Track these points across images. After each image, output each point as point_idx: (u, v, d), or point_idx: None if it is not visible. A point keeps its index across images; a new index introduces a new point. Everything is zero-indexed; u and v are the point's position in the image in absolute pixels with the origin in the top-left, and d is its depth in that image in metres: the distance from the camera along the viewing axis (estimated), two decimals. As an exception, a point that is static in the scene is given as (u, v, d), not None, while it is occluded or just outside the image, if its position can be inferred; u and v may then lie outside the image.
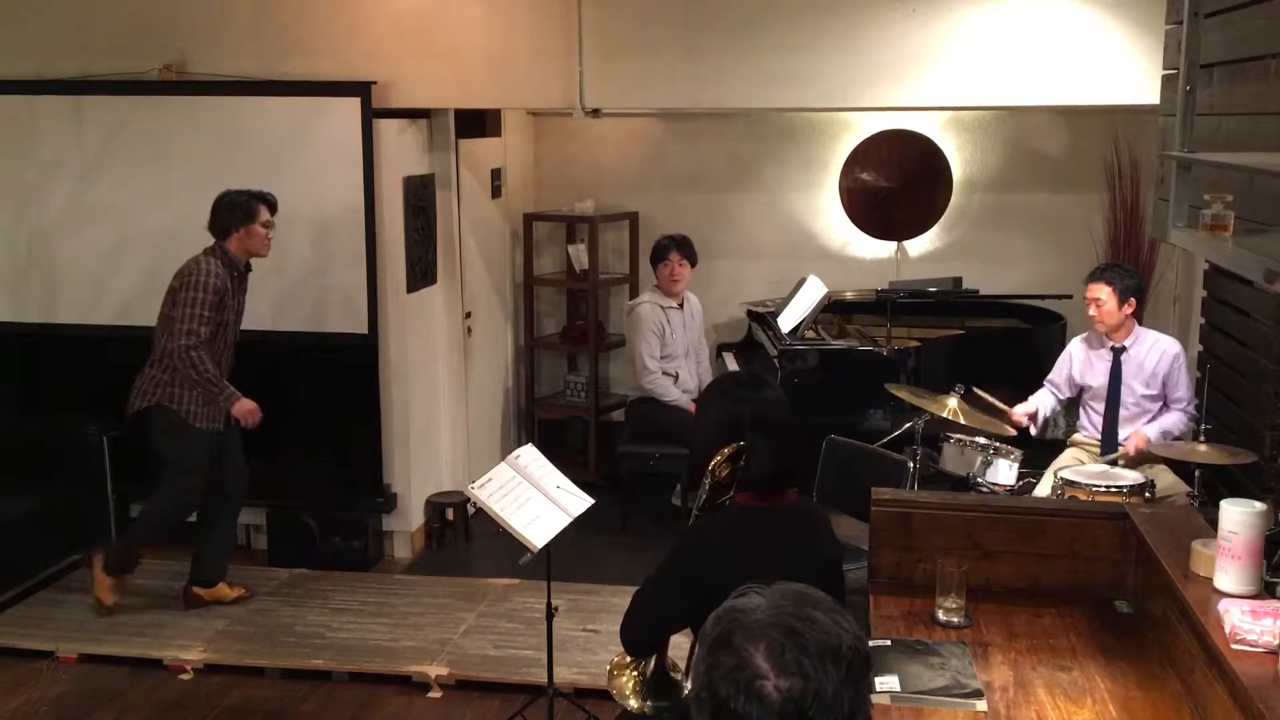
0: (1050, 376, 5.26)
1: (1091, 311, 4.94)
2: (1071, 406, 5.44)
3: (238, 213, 4.88)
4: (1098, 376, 5.03)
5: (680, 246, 6.18)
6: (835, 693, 1.37)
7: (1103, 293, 4.88)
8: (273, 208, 4.96)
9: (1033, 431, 5.21)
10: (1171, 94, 3.05)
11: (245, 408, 4.90)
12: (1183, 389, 4.92)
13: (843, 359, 5.97)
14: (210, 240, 4.93)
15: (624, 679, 2.94)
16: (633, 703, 2.90)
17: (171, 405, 4.88)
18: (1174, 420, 4.90)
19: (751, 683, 1.37)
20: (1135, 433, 4.88)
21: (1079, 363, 5.13)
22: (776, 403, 2.83)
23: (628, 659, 2.94)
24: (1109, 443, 4.96)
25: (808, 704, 1.36)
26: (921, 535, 3.35)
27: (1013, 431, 5.08)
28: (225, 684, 4.67)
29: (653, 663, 2.93)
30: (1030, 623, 3.12)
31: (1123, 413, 4.96)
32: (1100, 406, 5.03)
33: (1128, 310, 4.90)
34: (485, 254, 6.69)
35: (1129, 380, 4.95)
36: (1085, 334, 5.15)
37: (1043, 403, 5.20)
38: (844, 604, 2.90)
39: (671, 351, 6.16)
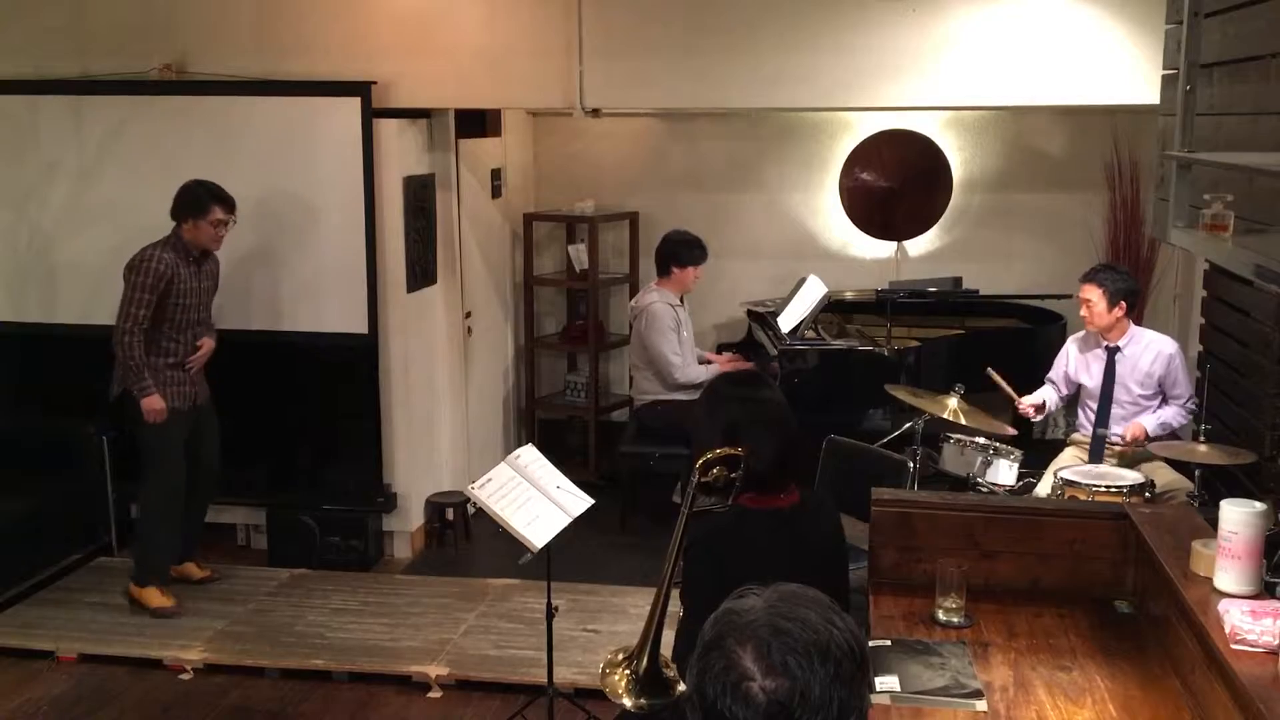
0: (1050, 374, 5.29)
1: (1082, 312, 4.97)
2: (1071, 406, 5.44)
3: (190, 205, 5.00)
4: (1093, 376, 5.04)
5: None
6: (823, 692, 1.36)
7: (1093, 294, 4.90)
8: (229, 207, 5.04)
9: (1036, 417, 5.22)
10: (1171, 94, 3.05)
11: (152, 405, 4.97)
12: (1181, 386, 4.93)
13: (843, 359, 5.97)
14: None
15: (616, 677, 2.94)
16: (627, 700, 2.91)
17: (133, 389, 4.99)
18: (1171, 413, 4.92)
19: (739, 684, 1.37)
20: (1134, 423, 4.89)
21: (1074, 361, 5.15)
22: (775, 402, 2.83)
23: (619, 657, 2.94)
24: (1097, 442, 4.96)
25: (793, 704, 1.35)
26: (921, 535, 3.35)
27: (1013, 431, 5.08)
28: (225, 684, 4.67)
29: (645, 660, 2.93)
30: (1030, 623, 3.12)
31: (1118, 411, 4.96)
32: (1096, 406, 5.04)
33: (1118, 313, 4.90)
34: (485, 254, 6.69)
35: (1124, 380, 4.96)
36: (1082, 332, 5.16)
37: (1048, 396, 5.22)
38: (847, 603, 2.90)
39: (685, 350, 6.13)
